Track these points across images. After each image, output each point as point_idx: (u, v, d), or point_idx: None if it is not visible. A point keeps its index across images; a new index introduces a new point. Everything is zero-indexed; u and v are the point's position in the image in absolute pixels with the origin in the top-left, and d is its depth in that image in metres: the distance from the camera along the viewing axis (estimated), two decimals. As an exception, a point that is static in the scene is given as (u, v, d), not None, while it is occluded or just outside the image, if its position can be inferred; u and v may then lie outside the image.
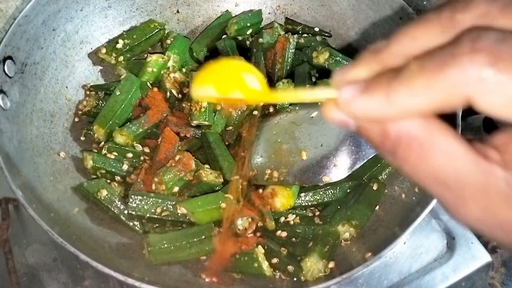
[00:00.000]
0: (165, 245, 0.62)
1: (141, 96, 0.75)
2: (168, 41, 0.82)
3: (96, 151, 0.72)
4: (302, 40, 0.84)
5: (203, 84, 0.38)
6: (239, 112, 0.77)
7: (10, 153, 0.60)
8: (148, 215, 0.65)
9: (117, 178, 0.70)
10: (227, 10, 0.88)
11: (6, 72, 0.63)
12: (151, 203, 0.65)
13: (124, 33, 0.82)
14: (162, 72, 0.78)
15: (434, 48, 0.27)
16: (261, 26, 0.88)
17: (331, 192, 0.70)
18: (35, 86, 0.70)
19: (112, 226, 0.66)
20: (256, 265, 0.62)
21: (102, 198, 0.66)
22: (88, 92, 0.78)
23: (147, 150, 0.72)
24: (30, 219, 0.54)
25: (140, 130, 0.73)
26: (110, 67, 0.81)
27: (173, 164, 0.68)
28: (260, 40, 0.81)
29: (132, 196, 0.65)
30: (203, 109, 0.73)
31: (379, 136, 0.29)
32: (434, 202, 0.58)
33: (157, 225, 0.67)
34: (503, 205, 0.26)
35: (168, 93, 0.77)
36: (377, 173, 0.71)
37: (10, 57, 0.64)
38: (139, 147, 0.72)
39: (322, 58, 0.78)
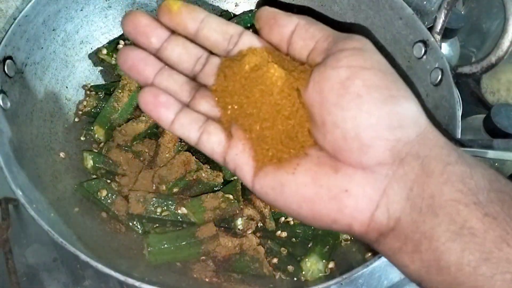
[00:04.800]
0: (165, 245, 0.62)
1: (141, 96, 0.75)
2: (168, 41, 0.82)
3: (96, 151, 0.73)
4: (302, 40, 0.84)
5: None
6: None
7: (10, 153, 0.60)
8: (148, 215, 0.65)
9: (117, 178, 0.70)
10: (227, 10, 0.88)
11: (6, 72, 0.63)
12: (151, 203, 0.65)
13: (125, 33, 0.82)
14: (162, 72, 0.78)
15: None
16: (261, 26, 0.88)
17: (331, 192, 0.70)
18: (35, 86, 0.70)
19: (112, 226, 0.66)
20: (256, 265, 0.62)
21: (102, 198, 0.66)
22: (88, 92, 0.78)
23: (147, 150, 0.72)
24: (30, 219, 0.54)
25: (140, 130, 0.73)
26: (110, 67, 0.81)
27: (173, 164, 0.68)
28: (260, 40, 0.81)
29: (132, 196, 0.65)
30: (203, 109, 0.73)
31: None
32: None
33: (157, 225, 0.67)
34: None
35: (168, 93, 0.77)
36: (377, 173, 0.71)
37: (10, 57, 0.64)
38: (139, 147, 0.72)
39: (322, 58, 0.78)
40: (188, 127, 0.39)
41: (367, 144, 0.32)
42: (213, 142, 0.39)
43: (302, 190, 0.34)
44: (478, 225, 0.30)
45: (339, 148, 0.33)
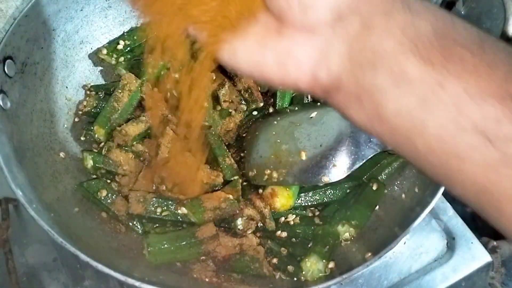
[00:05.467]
0: (165, 245, 0.62)
1: (141, 96, 0.75)
2: (168, 41, 0.82)
3: (96, 151, 0.73)
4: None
5: None
6: (239, 112, 0.77)
7: (10, 153, 0.60)
8: (148, 215, 0.65)
9: (117, 178, 0.70)
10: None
11: (6, 72, 0.63)
12: (151, 203, 0.65)
13: (125, 34, 0.82)
14: (162, 73, 0.78)
15: None
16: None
17: (330, 192, 0.70)
18: (35, 86, 0.70)
19: (112, 226, 0.66)
20: (256, 265, 0.62)
21: (102, 198, 0.66)
22: (88, 92, 0.78)
23: (147, 150, 0.72)
24: (30, 219, 0.54)
25: (140, 130, 0.72)
26: (110, 67, 0.81)
27: (173, 164, 0.68)
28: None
29: (132, 196, 0.65)
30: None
31: None
32: (434, 202, 0.58)
33: (157, 225, 0.67)
34: None
35: (168, 93, 0.77)
36: (376, 173, 0.71)
37: (10, 57, 0.64)
38: (139, 147, 0.72)
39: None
40: None
41: (308, 4, 0.33)
42: None
43: (251, 55, 0.37)
44: (414, 71, 0.30)
45: (282, 10, 0.34)
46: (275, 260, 0.64)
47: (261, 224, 0.68)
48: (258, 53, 0.36)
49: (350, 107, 0.34)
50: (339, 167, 0.64)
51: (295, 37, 0.34)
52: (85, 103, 0.76)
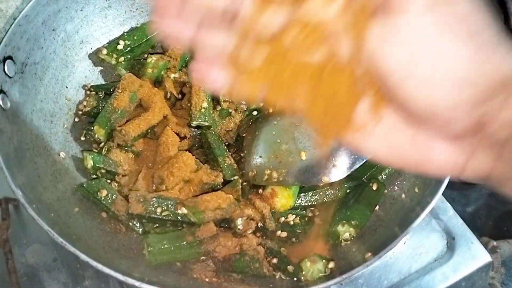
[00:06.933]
0: (165, 245, 0.62)
1: (141, 96, 0.75)
2: (168, 41, 0.82)
3: (96, 151, 0.73)
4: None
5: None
6: (239, 112, 0.77)
7: (10, 153, 0.60)
8: (148, 215, 0.65)
9: (117, 178, 0.70)
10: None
11: (6, 72, 0.63)
12: (151, 203, 0.65)
13: (125, 34, 0.82)
14: (162, 73, 0.78)
15: None
16: (261, 26, 0.88)
17: (331, 192, 0.70)
18: (35, 86, 0.70)
19: (112, 226, 0.66)
20: (256, 265, 0.62)
21: (102, 198, 0.66)
22: (88, 92, 0.78)
23: (147, 150, 0.72)
24: (30, 219, 0.54)
25: (140, 130, 0.72)
26: (110, 67, 0.81)
27: (173, 164, 0.68)
28: (260, 40, 0.81)
29: (132, 196, 0.65)
30: (203, 110, 0.73)
31: None
32: (434, 202, 0.58)
33: (157, 225, 0.67)
34: None
35: (168, 93, 0.77)
36: (376, 173, 0.71)
37: (10, 57, 0.64)
38: (139, 147, 0.72)
39: (322, 58, 0.78)
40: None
41: (447, 120, 0.30)
42: None
43: (383, 157, 0.34)
44: None
45: (414, 120, 0.31)
46: (275, 260, 0.64)
47: (261, 224, 0.68)
48: (392, 157, 0.33)
49: (505, 185, 0.32)
50: (339, 167, 0.64)
51: (433, 144, 0.32)
52: (85, 103, 0.76)
